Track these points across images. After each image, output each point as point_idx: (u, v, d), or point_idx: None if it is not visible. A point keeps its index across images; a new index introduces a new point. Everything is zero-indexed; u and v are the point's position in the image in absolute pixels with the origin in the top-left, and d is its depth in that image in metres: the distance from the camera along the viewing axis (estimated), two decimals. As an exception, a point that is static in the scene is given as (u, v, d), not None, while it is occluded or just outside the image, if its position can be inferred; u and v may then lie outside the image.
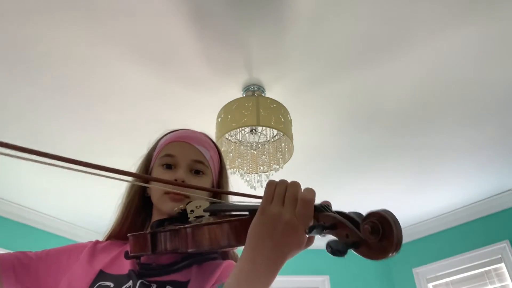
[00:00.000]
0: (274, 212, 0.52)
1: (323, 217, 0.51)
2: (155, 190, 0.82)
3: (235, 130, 1.89)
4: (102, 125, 2.32)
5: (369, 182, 2.97)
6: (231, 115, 1.88)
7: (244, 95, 2.08)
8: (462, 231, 3.43)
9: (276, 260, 0.52)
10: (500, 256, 3.14)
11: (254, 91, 2.07)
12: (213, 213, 0.73)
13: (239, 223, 0.59)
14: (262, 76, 2.03)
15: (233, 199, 0.84)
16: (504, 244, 3.13)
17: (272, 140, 2.02)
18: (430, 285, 3.49)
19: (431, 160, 2.73)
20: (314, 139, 2.50)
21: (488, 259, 3.19)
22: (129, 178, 0.84)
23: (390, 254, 0.43)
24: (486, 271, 3.20)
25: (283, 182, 0.55)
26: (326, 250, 0.45)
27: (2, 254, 0.79)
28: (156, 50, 1.87)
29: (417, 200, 3.26)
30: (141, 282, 0.71)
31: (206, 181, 0.85)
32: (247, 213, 0.61)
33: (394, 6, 1.68)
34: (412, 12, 1.71)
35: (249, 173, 2.00)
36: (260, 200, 0.59)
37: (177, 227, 0.67)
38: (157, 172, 0.84)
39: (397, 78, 2.06)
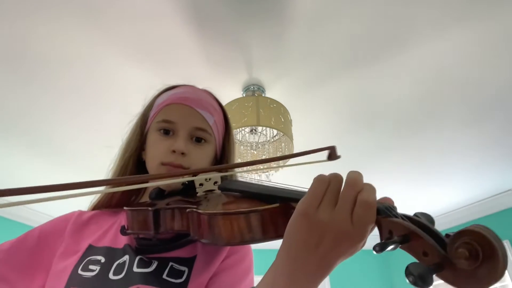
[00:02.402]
0: (324, 218, 0.41)
1: (390, 225, 0.39)
2: (151, 158, 0.72)
3: (235, 130, 1.89)
4: (102, 125, 2.32)
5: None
6: (231, 115, 1.88)
7: (244, 95, 2.08)
8: (462, 231, 3.43)
9: (321, 275, 0.42)
10: (500, 256, 3.14)
11: (254, 91, 2.07)
12: (227, 190, 0.62)
13: (268, 214, 0.48)
14: (262, 76, 2.03)
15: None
16: (504, 244, 3.13)
17: (272, 140, 2.02)
18: (430, 285, 3.49)
19: (431, 160, 2.73)
20: (314, 139, 2.50)
21: (488, 259, 3.19)
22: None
23: (492, 285, 0.33)
24: (486, 271, 3.20)
25: (337, 179, 0.43)
26: (406, 278, 0.34)
27: None
28: (156, 50, 1.87)
29: (416, 200, 3.26)
30: (140, 259, 0.63)
31: (208, 150, 0.75)
32: (277, 203, 0.49)
33: (394, 6, 1.68)
34: (412, 12, 1.71)
35: (249, 173, 2.00)
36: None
37: (187, 207, 0.57)
38: (154, 137, 0.74)
39: (397, 78, 2.06)
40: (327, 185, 0.43)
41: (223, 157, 0.80)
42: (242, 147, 2.00)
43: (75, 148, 2.50)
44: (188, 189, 0.67)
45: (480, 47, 1.90)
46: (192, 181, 0.66)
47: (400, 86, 2.12)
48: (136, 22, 1.73)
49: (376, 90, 2.14)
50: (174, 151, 0.69)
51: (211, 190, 0.65)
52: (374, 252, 0.38)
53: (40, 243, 0.70)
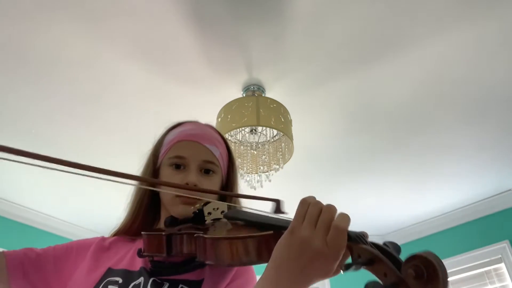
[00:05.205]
0: (304, 235, 0.48)
1: (359, 250, 0.47)
2: (166, 192, 0.80)
3: (235, 130, 1.89)
4: (102, 125, 2.32)
5: (369, 182, 2.97)
6: (231, 115, 1.88)
7: (244, 95, 2.08)
8: (462, 231, 3.43)
9: (302, 284, 0.49)
10: (500, 256, 3.13)
11: (254, 91, 2.07)
12: (231, 219, 0.71)
13: (263, 239, 0.56)
14: (262, 76, 2.03)
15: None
16: (504, 244, 3.13)
17: (272, 140, 2.02)
18: (430, 285, 3.48)
19: (430, 160, 2.73)
20: (314, 139, 2.50)
21: (488, 259, 3.19)
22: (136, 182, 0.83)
23: None
24: (486, 271, 3.19)
25: (317, 203, 0.51)
26: None
27: (10, 252, 0.77)
28: (156, 50, 1.87)
29: (417, 200, 3.26)
30: (153, 280, 0.70)
31: (216, 180, 0.83)
32: (271, 230, 0.57)
33: (394, 6, 1.68)
34: (412, 12, 1.71)
35: (249, 173, 2.00)
36: (271, 212, 0.57)
37: (195, 233, 0.65)
38: (166, 172, 0.81)
39: (397, 78, 2.06)
40: (307, 205, 0.51)
41: (228, 184, 0.89)
42: (242, 147, 2.00)
43: (74, 147, 2.49)
44: (199, 217, 0.74)
45: (479, 47, 1.90)
46: (202, 210, 0.74)
47: (400, 86, 2.11)
48: (136, 22, 1.73)
49: (376, 90, 2.14)
50: (187, 184, 0.77)
51: (218, 219, 0.74)
52: (341, 272, 0.49)
53: (65, 257, 0.80)
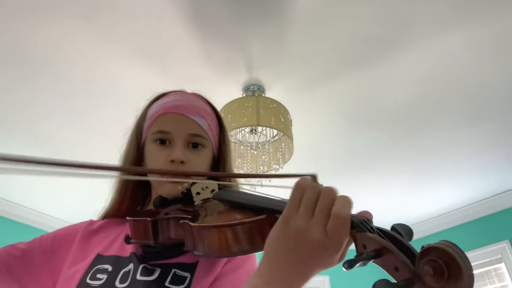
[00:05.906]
0: (300, 225, 0.42)
1: (364, 239, 0.40)
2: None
3: (235, 130, 1.89)
4: (102, 124, 2.32)
5: (369, 182, 2.97)
6: (231, 115, 1.88)
7: (244, 95, 2.08)
8: (462, 231, 3.44)
9: (298, 280, 0.44)
10: (500, 256, 3.14)
11: (254, 91, 2.07)
12: (221, 200, 0.64)
13: (255, 225, 0.50)
14: (262, 76, 2.03)
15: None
16: (504, 244, 3.13)
17: (272, 140, 2.02)
18: (430, 285, 3.49)
19: (430, 160, 2.73)
20: (314, 139, 2.50)
21: (488, 259, 3.19)
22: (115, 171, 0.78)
23: None
24: (486, 271, 3.20)
25: (315, 186, 0.44)
26: None
27: None
28: (156, 49, 1.87)
29: (417, 200, 3.26)
30: (144, 267, 0.65)
31: (205, 154, 0.77)
32: (264, 214, 0.51)
33: (394, 6, 1.68)
34: (412, 12, 1.71)
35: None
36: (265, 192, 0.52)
37: (181, 219, 0.60)
38: (151, 148, 0.75)
39: (397, 78, 2.06)
40: (303, 189, 0.45)
41: (220, 157, 0.82)
42: (242, 147, 2.00)
43: (74, 147, 2.49)
44: (188, 198, 0.69)
45: (480, 47, 1.89)
46: (190, 190, 0.68)
47: (400, 86, 2.11)
48: (136, 22, 1.73)
49: (377, 90, 2.14)
50: (173, 161, 0.71)
51: (208, 199, 0.68)
52: (344, 269, 0.38)
53: (53, 247, 0.75)
